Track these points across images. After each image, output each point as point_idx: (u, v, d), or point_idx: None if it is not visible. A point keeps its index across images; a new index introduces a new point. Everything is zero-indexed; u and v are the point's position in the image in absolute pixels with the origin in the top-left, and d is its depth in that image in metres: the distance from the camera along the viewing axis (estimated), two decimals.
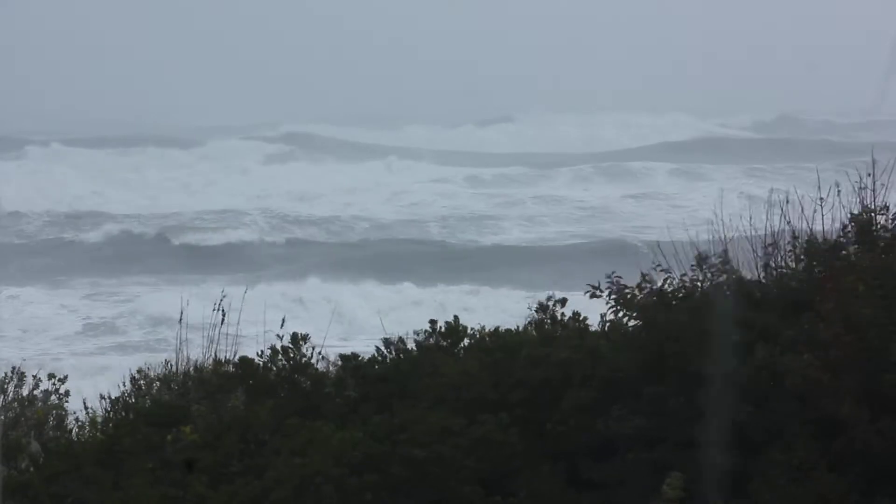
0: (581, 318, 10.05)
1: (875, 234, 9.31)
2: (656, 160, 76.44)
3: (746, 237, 9.98)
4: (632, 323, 9.47)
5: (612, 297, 9.41)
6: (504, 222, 58.15)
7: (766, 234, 9.87)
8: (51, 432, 11.06)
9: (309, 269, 42.77)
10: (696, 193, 60.14)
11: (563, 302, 10.17)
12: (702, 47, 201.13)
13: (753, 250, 9.81)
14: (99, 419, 10.79)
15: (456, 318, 10.33)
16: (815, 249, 9.43)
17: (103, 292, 41.81)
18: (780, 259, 9.74)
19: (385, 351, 10.08)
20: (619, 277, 9.47)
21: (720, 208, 10.04)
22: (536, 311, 10.24)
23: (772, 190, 10.35)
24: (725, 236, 9.84)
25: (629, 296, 9.41)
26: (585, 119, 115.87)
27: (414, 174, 74.76)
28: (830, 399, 8.33)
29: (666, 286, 9.44)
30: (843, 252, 9.32)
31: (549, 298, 10.22)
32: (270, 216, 58.44)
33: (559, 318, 10.15)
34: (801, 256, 9.54)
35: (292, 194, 66.43)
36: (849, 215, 9.49)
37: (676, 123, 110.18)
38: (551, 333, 9.89)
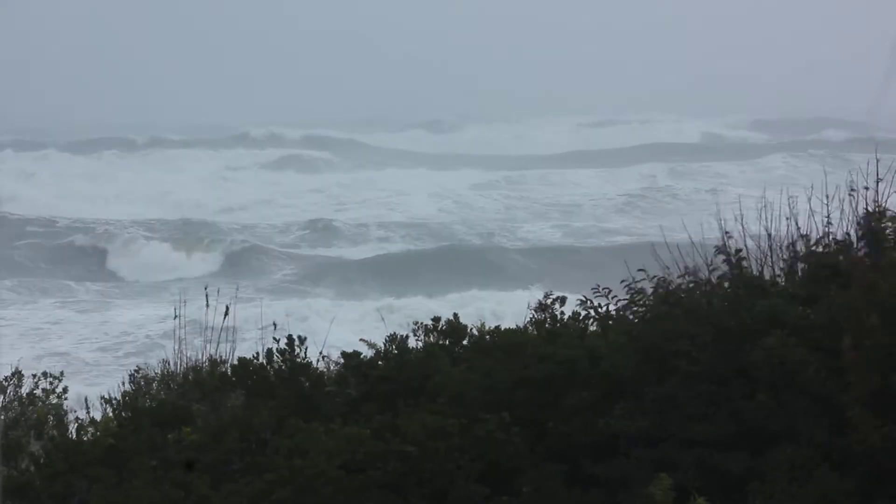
0: (581, 318, 10.04)
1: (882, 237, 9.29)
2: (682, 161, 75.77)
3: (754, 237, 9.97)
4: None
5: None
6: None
7: (765, 235, 9.85)
8: (51, 432, 11.04)
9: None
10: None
11: (562, 300, 10.17)
12: (701, 50, 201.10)
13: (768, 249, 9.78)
14: (100, 419, 10.78)
15: (455, 315, 10.36)
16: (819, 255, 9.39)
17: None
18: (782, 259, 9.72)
19: (387, 349, 10.07)
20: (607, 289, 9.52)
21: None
22: (536, 310, 10.24)
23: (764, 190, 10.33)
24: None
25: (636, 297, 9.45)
26: (592, 120, 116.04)
27: (453, 178, 72.73)
28: (842, 396, 8.33)
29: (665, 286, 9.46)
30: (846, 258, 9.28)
31: (546, 296, 10.22)
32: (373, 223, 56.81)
33: (559, 316, 10.14)
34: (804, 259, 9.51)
35: (369, 200, 64.61)
36: (858, 222, 9.45)
37: (676, 125, 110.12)
38: (555, 332, 9.88)
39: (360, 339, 10.26)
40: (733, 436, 8.59)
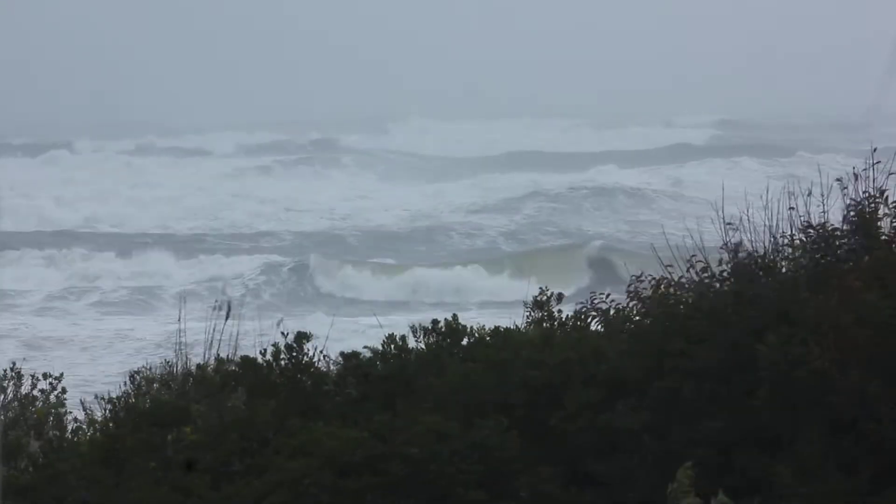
0: (581, 317, 10.07)
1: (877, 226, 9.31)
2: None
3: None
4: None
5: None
6: None
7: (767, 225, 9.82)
8: (51, 432, 11.07)
9: None
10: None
11: (559, 298, 10.19)
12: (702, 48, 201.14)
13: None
14: (99, 419, 10.81)
15: (455, 316, 10.37)
16: (817, 241, 9.40)
17: None
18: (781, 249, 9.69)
19: (386, 349, 10.09)
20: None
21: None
22: (533, 308, 10.25)
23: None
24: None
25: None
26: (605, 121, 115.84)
27: (495, 181, 70.04)
28: (838, 394, 8.36)
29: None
30: (844, 245, 9.29)
31: (542, 293, 10.24)
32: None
33: (556, 315, 10.16)
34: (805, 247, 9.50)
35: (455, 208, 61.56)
36: (849, 203, 9.46)
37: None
38: (549, 334, 9.90)
39: (364, 347, 10.25)
40: (736, 433, 8.63)
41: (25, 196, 64.37)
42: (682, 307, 9.36)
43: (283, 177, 76.97)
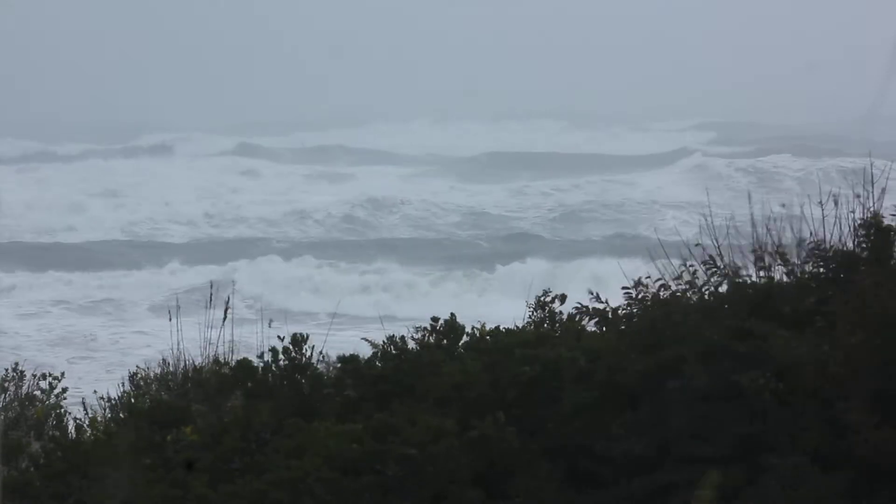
0: (578, 318, 10.06)
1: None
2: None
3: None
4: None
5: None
6: None
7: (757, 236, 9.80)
8: (51, 432, 11.09)
9: None
10: None
11: (562, 298, 10.18)
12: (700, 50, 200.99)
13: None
14: (99, 419, 10.82)
15: (453, 315, 10.35)
16: (825, 254, 9.34)
17: None
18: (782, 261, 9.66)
19: (384, 350, 10.09)
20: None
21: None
22: (534, 308, 10.25)
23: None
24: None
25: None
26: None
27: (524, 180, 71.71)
28: (843, 399, 8.35)
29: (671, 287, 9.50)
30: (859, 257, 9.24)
31: (545, 294, 10.23)
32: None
33: (557, 316, 10.16)
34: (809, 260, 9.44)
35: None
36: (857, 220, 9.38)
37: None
38: (544, 334, 9.90)
39: (363, 339, 10.27)
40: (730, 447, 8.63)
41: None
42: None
43: (303, 178, 77.23)
